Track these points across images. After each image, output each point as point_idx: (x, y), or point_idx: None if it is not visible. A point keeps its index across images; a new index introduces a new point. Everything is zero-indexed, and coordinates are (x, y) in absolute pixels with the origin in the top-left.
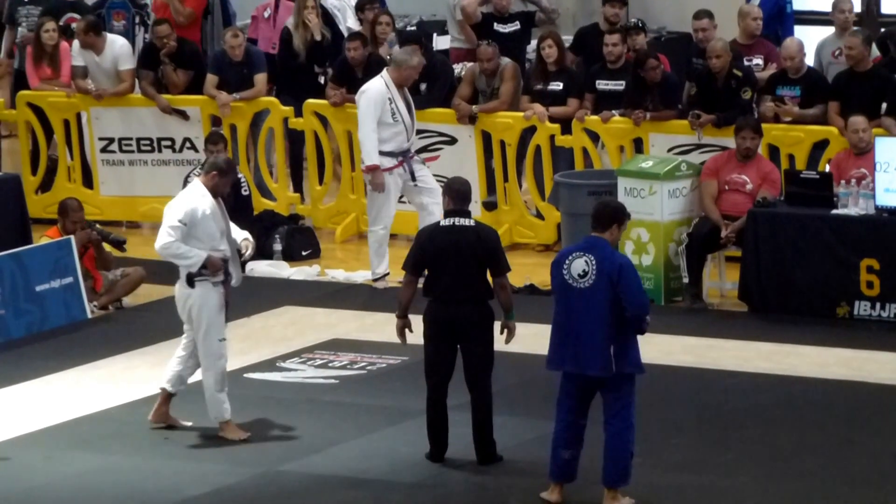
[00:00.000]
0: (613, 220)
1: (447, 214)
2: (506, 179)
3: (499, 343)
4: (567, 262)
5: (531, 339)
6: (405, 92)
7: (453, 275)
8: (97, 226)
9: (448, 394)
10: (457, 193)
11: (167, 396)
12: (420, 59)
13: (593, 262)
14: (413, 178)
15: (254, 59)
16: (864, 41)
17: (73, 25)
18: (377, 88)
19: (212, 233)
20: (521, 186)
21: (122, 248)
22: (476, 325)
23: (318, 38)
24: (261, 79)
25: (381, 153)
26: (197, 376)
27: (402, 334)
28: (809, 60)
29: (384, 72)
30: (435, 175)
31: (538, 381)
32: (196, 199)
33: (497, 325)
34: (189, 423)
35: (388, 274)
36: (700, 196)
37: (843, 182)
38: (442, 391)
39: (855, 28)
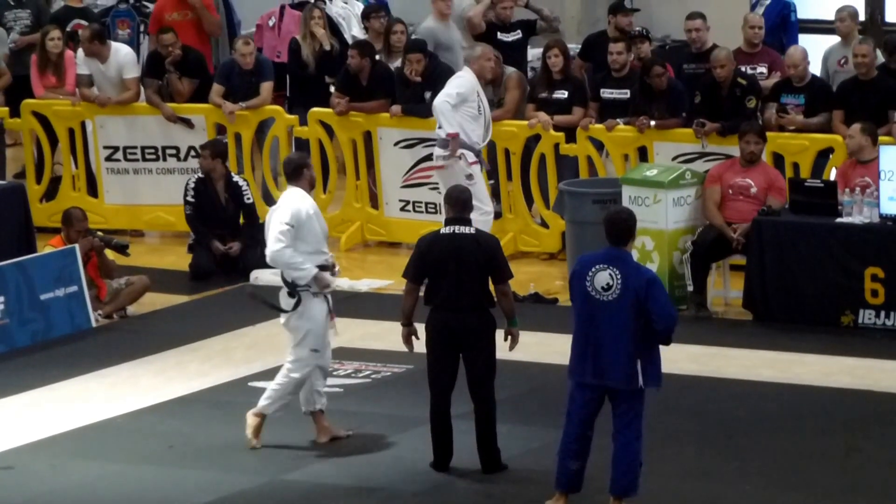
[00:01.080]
0: (632, 235)
1: (447, 222)
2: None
3: (503, 351)
4: (590, 274)
5: (535, 347)
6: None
7: (454, 283)
8: (99, 233)
9: (452, 402)
10: (455, 201)
11: (317, 415)
12: (483, 49)
13: (618, 276)
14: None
15: (262, 67)
16: (873, 48)
17: (80, 32)
18: (469, 80)
19: (316, 233)
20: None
21: (126, 252)
22: (477, 332)
23: (326, 48)
24: (267, 87)
25: (464, 145)
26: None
27: (408, 342)
28: (815, 69)
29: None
30: (438, 184)
31: (543, 389)
32: (298, 201)
33: (501, 333)
34: (350, 432)
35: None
36: (703, 202)
37: (847, 190)
38: (445, 400)
39: (861, 36)
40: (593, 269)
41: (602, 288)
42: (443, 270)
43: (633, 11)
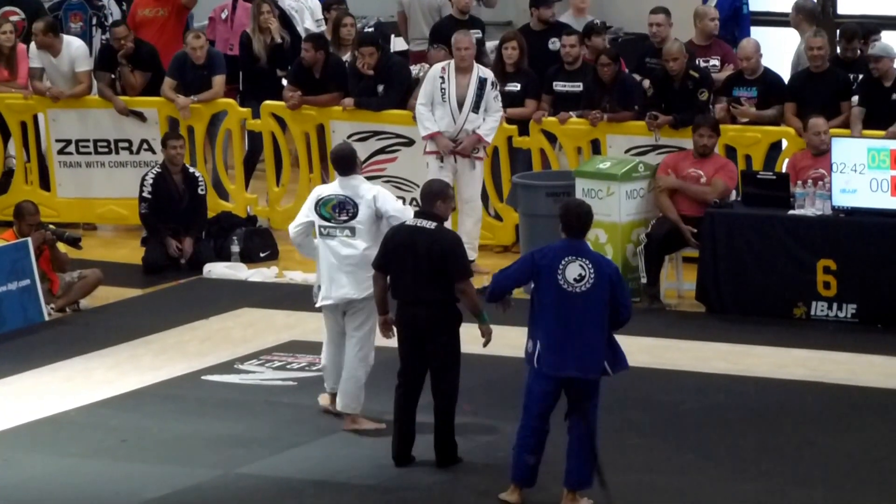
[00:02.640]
0: (586, 228)
1: (415, 214)
2: None
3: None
4: (561, 266)
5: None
6: (474, 83)
7: (411, 275)
8: (51, 226)
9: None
10: (423, 195)
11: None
12: (462, 36)
13: (589, 266)
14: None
15: (213, 60)
16: (828, 41)
17: (34, 25)
18: (433, 67)
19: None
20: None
21: (78, 245)
22: (434, 326)
23: (277, 41)
24: (219, 80)
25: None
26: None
27: (383, 330)
28: (766, 62)
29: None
30: (392, 177)
31: (495, 382)
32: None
33: (475, 328)
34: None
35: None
36: (655, 192)
37: (799, 183)
38: (408, 391)
39: (816, 28)
40: (563, 262)
41: (574, 280)
42: (401, 263)
43: (555, 2)
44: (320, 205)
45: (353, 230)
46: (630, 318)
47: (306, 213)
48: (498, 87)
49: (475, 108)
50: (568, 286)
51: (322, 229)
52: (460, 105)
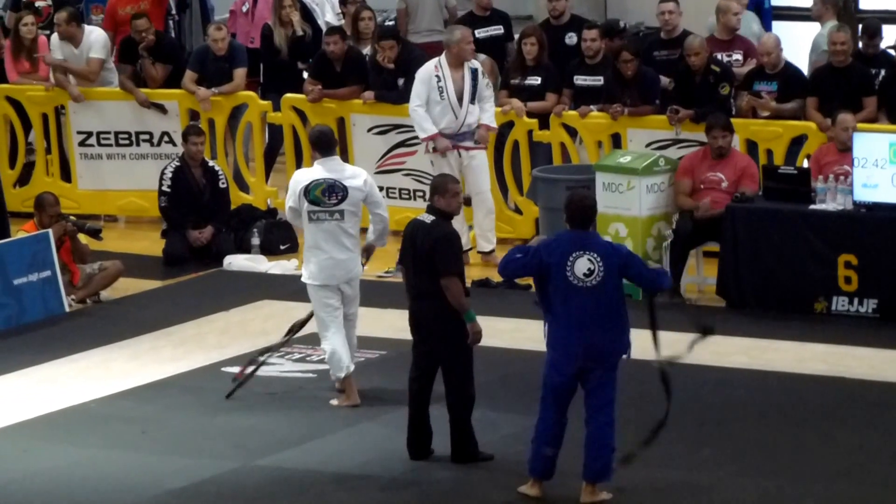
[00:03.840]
0: (591, 220)
1: (427, 209)
2: None
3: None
4: (569, 263)
5: (509, 333)
6: (467, 75)
7: (412, 269)
8: (71, 217)
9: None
10: (430, 188)
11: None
12: (462, 32)
13: (598, 259)
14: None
15: (235, 53)
16: (850, 36)
17: (56, 15)
18: (425, 68)
19: None
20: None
21: (99, 237)
22: (436, 320)
23: (299, 33)
24: (240, 73)
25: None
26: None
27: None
28: (787, 56)
29: (442, 55)
30: (412, 170)
31: (515, 376)
32: None
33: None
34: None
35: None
36: (675, 195)
37: (820, 178)
38: (420, 386)
39: (837, 23)
40: (572, 257)
41: (584, 275)
42: (405, 256)
43: None
44: (309, 190)
45: (342, 213)
46: (663, 282)
47: (293, 200)
48: (485, 73)
49: (473, 99)
50: (578, 281)
51: (312, 214)
52: (460, 99)
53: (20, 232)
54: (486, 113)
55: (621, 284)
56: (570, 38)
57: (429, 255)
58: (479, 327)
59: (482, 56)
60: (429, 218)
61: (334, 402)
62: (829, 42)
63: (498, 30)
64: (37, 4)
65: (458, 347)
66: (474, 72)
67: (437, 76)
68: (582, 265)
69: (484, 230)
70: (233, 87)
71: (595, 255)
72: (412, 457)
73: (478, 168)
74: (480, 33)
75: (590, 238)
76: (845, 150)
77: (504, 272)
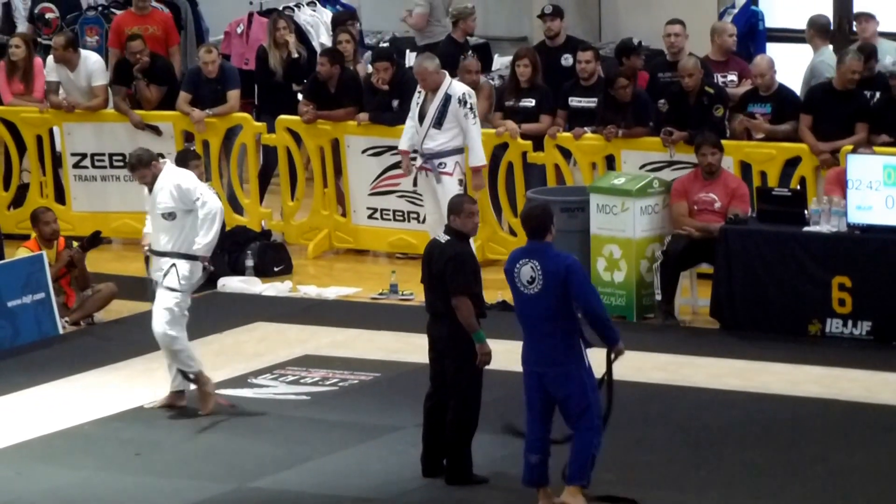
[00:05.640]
0: (546, 229)
1: (444, 229)
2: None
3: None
4: (517, 269)
5: (504, 355)
6: (438, 99)
7: (428, 288)
8: (75, 244)
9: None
10: (447, 209)
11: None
12: (420, 63)
13: (538, 269)
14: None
15: (227, 75)
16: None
17: (53, 39)
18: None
19: None
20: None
21: (100, 239)
22: (446, 340)
23: (294, 55)
24: (234, 95)
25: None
26: None
27: None
28: (782, 78)
29: None
30: (406, 192)
31: (509, 398)
32: None
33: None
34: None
35: None
36: (673, 218)
37: (814, 199)
38: (433, 404)
39: (853, 48)
40: (518, 265)
41: (527, 282)
42: (424, 276)
43: (559, 17)
44: None
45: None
46: (596, 309)
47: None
48: (469, 105)
49: (436, 123)
50: (523, 288)
51: None
52: (421, 120)
53: (21, 249)
54: (471, 152)
55: (566, 294)
56: (566, 60)
57: (442, 275)
58: (487, 348)
59: (482, 79)
60: (444, 238)
61: (150, 404)
62: (846, 69)
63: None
64: (46, 16)
65: (466, 370)
66: (447, 98)
67: (419, 92)
68: (525, 273)
69: None
70: (227, 108)
71: (537, 264)
72: (424, 474)
73: (440, 193)
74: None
75: (539, 248)
76: None
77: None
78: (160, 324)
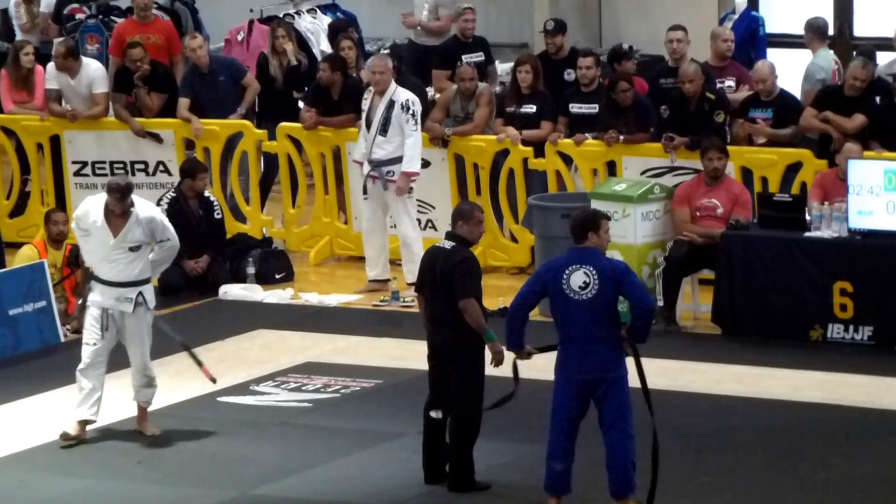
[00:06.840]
0: (586, 230)
1: (446, 235)
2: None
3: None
4: (565, 276)
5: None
6: (383, 104)
7: (433, 295)
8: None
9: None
10: (452, 215)
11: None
12: (376, 60)
13: (593, 273)
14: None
15: (220, 64)
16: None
17: (55, 46)
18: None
19: None
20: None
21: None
22: (450, 348)
23: (294, 63)
24: (248, 79)
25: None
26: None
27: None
28: (783, 83)
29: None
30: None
31: (509, 405)
32: None
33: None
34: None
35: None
36: (675, 224)
37: (815, 205)
38: (432, 412)
39: (861, 56)
40: (567, 272)
41: (579, 287)
42: (426, 283)
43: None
44: None
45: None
46: (649, 311)
47: None
48: (412, 111)
49: (381, 130)
50: (573, 294)
51: None
52: (368, 126)
53: (27, 247)
54: (405, 156)
55: (616, 298)
56: (569, 75)
57: (447, 281)
58: (499, 347)
59: (482, 85)
60: (448, 244)
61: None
62: (850, 76)
63: (479, 56)
64: (77, 17)
65: (470, 378)
66: (391, 104)
67: (366, 98)
68: (578, 278)
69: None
70: (247, 80)
71: (591, 269)
72: (426, 480)
73: (397, 206)
74: (465, 58)
75: (588, 253)
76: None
77: (515, 301)
78: (148, 354)
